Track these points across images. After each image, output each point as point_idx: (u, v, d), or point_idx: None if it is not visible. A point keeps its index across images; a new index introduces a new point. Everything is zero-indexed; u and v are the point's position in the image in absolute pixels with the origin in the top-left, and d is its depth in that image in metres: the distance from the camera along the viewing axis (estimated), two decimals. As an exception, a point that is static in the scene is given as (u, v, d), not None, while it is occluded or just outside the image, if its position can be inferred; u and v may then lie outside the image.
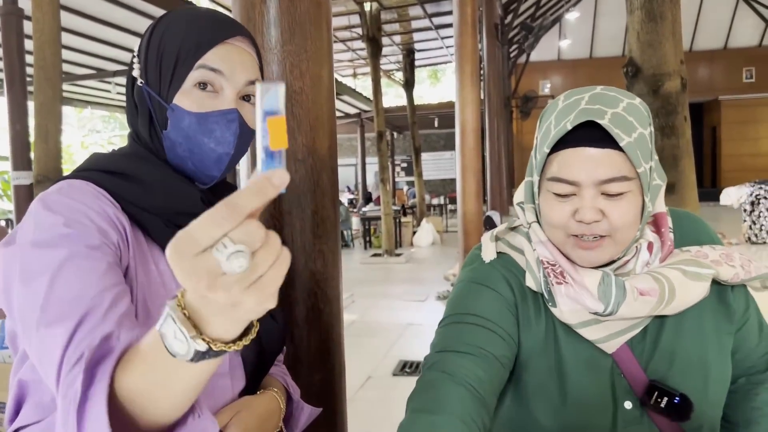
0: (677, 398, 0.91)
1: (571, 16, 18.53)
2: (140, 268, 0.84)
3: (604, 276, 0.91)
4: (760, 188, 10.67)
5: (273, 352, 0.98)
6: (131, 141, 0.96)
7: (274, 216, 1.22)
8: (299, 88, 1.22)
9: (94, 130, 25.56)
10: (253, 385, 0.98)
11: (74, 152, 22.26)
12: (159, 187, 0.88)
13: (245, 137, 0.94)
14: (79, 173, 0.87)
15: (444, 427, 0.82)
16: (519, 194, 1.04)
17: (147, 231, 0.87)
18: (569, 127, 0.87)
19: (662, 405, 0.92)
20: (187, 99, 0.89)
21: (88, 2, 7.49)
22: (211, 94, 0.91)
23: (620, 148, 0.86)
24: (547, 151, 0.90)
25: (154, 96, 0.91)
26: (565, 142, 0.89)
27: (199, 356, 0.54)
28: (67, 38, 8.90)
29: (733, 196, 10.86)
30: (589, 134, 0.87)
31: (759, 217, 10.59)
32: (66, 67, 10.74)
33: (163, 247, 0.87)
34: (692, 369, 0.96)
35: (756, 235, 10.59)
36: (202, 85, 0.90)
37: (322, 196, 1.25)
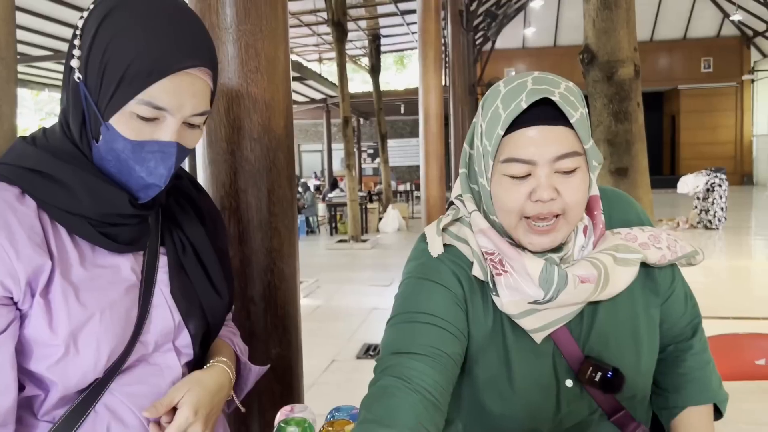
0: (610, 373, 0.96)
1: (536, 4, 18.68)
2: (68, 268, 0.83)
3: (547, 264, 0.93)
4: (715, 176, 10.94)
5: (217, 324, 1.00)
6: (61, 133, 0.89)
7: (230, 194, 1.24)
8: (254, 67, 1.23)
9: (52, 113, 24.87)
10: (201, 356, 1.00)
11: (31, 136, 21.65)
12: (85, 192, 0.84)
13: (179, 162, 0.90)
14: (1, 167, 0.84)
15: None
16: (456, 188, 1.06)
17: (72, 232, 0.85)
18: (524, 106, 0.88)
19: (596, 379, 0.97)
20: (124, 124, 0.84)
21: (43, -19, 7.29)
22: (152, 122, 0.85)
23: (569, 125, 0.89)
24: (502, 132, 0.90)
25: (90, 103, 0.84)
26: (518, 123, 0.89)
27: None
28: (22, 18, 8.64)
29: (690, 184, 11.12)
30: (542, 113, 0.88)
31: (713, 203, 10.82)
32: (22, 48, 10.42)
33: (90, 245, 0.86)
34: (626, 345, 1.02)
35: (710, 221, 10.87)
36: (143, 118, 0.84)
37: (277, 174, 1.27)
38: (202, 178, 1.28)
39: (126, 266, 0.89)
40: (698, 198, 11.00)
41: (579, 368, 0.99)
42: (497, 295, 0.96)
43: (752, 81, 23.41)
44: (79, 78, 0.85)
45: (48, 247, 0.82)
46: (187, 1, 1.28)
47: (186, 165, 1.05)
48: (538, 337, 0.98)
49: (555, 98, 0.87)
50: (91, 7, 0.88)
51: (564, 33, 23.89)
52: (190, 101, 0.85)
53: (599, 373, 0.97)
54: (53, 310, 0.81)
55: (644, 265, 1.03)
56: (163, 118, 0.85)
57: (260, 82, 1.23)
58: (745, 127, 24.05)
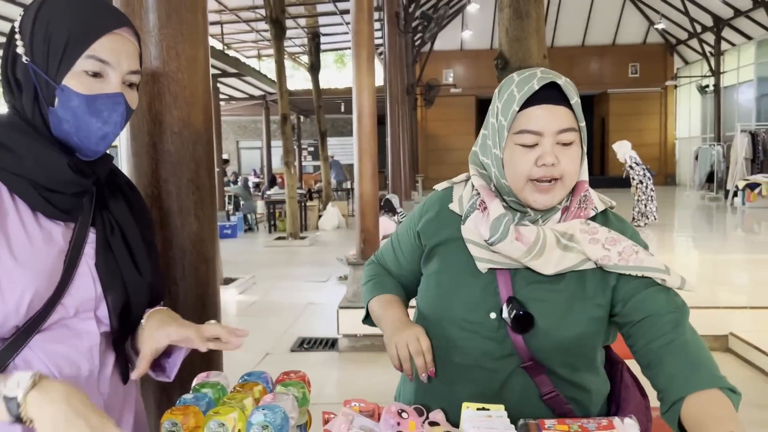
0: (522, 311, 1.13)
1: (472, 7, 19.12)
2: (4, 219, 0.96)
3: (502, 216, 1.14)
4: (647, 170, 11.05)
5: (138, 302, 1.12)
6: (11, 112, 1.04)
7: (152, 183, 1.35)
8: (175, 67, 1.34)
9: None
10: (121, 330, 1.11)
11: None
12: (29, 156, 0.98)
13: (127, 118, 1.07)
14: None
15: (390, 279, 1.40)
16: (470, 162, 1.29)
17: (15, 191, 0.98)
18: (536, 87, 1.10)
19: (510, 315, 1.13)
20: (76, 81, 0.99)
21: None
22: (99, 78, 1.01)
23: (569, 107, 1.12)
24: (517, 108, 1.12)
25: (41, 74, 0.99)
26: (529, 103, 1.11)
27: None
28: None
29: (626, 146, 11.03)
30: (549, 94, 1.11)
31: (649, 200, 10.99)
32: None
33: (30, 207, 0.99)
34: (554, 310, 1.15)
35: (647, 217, 11.05)
36: (92, 73, 1.00)
37: (197, 165, 1.38)
38: (125, 169, 1.38)
39: (58, 233, 1.02)
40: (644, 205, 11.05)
41: (504, 304, 1.16)
42: (464, 224, 1.21)
43: (675, 87, 24.65)
44: (26, 59, 0.99)
45: None
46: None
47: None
48: (481, 266, 1.18)
49: (561, 82, 1.11)
50: (25, 8, 1.03)
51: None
52: (126, 59, 1.03)
53: (514, 311, 1.13)
54: None
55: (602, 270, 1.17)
56: (106, 75, 1.01)
57: (180, 81, 1.35)
58: (668, 130, 25.29)
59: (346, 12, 13.08)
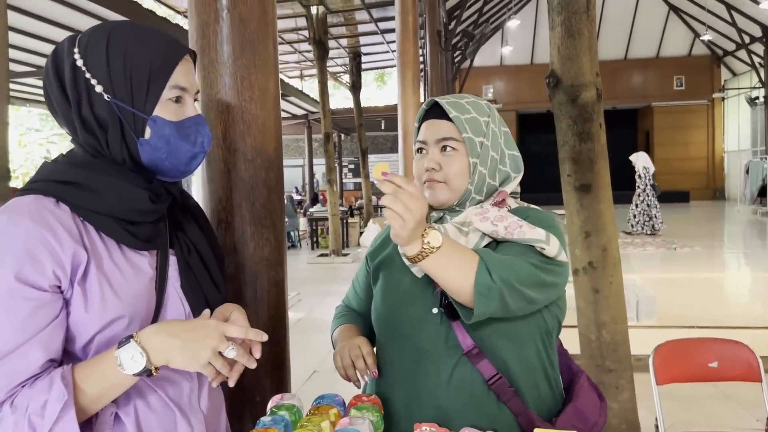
0: (447, 300, 1.23)
1: (513, 23, 19.11)
2: (100, 261, 1.00)
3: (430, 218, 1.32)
4: (638, 177, 11.92)
5: None
6: (82, 151, 1.06)
7: (226, 209, 1.40)
8: (248, 97, 1.40)
9: (33, 128, 24.70)
10: None
11: (11, 150, 21.48)
12: (112, 194, 1.01)
13: (210, 137, 1.15)
14: (33, 184, 1.01)
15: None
16: None
17: (101, 230, 1.02)
18: (425, 107, 1.36)
19: (443, 304, 1.26)
20: (164, 110, 1.05)
21: (30, 1, 7.38)
22: (179, 103, 1.08)
23: (451, 120, 1.29)
24: (417, 125, 1.37)
25: (127, 109, 1.03)
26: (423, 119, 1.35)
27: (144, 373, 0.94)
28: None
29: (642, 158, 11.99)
30: (435, 111, 1.32)
31: (656, 208, 12.04)
32: (3, 64, 10.45)
33: (117, 242, 1.04)
34: None
35: (653, 226, 12.08)
36: (174, 99, 1.06)
37: (269, 191, 1.43)
38: (201, 195, 1.43)
39: (144, 262, 1.06)
40: (636, 209, 12.07)
41: (441, 296, 1.28)
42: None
43: (722, 99, 24.05)
44: (108, 97, 1.03)
45: (83, 243, 0.99)
46: (190, 40, 1.45)
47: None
48: (416, 271, 1.30)
49: (442, 101, 1.32)
50: (77, 46, 1.05)
51: (540, 51, 24.36)
52: (192, 81, 1.10)
53: (446, 301, 1.24)
54: (89, 296, 0.98)
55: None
56: (183, 99, 1.08)
57: (253, 110, 1.40)
58: (716, 143, 24.65)
59: (387, 32, 13.23)
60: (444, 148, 1.30)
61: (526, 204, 1.40)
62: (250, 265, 1.40)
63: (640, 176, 11.93)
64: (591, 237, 2.97)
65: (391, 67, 20.14)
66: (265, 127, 1.42)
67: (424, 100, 11.12)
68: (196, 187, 1.45)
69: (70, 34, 1.05)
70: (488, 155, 1.31)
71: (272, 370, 1.44)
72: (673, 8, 23.23)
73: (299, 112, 19.48)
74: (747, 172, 18.48)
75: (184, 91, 1.07)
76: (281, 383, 1.47)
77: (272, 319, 1.43)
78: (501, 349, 1.26)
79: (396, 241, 1.12)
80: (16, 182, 20.96)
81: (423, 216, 1.08)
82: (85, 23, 8.40)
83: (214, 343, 0.97)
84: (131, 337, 0.94)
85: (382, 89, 31.81)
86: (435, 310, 1.29)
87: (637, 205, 12.18)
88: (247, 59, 1.39)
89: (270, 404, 1.25)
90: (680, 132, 24.57)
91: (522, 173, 1.39)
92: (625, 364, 3.04)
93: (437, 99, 1.34)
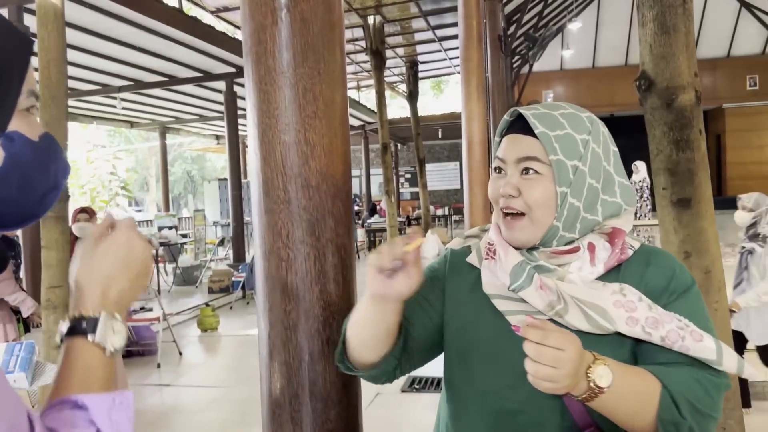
0: None
1: (574, 26, 18.53)
2: None
3: (523, 261, 1.05)
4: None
5: None
6: None
7: (287, 245, 1.18)
8: (312, 112, 1.17)
9: (99, 145, 25.60)
10: None
11: (79, 167, 22.30)
12: None
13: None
14: None
15: None
16: None
17: None
18: (507, 119, 1.11)
19: None
20: (22, 124, 0.74)
21: (92, 18, 7.50)
22: (33, 116, 0.77)
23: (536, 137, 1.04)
24: (498, 139, 1.13)
25: None
26: (506, 133, 1.11)
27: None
28: (71, 54, 8.93)
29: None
30: (517, 125, 1.08)
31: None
32: (71, 83, 10.77)
33: None
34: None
35: None
36: (30, 109, 0.76)
37: (336, 223, 1.20)
38: (257, 227, 1.22)
39: None
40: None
41: None
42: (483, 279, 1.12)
43: (801, 98, 22.71)
44: None
45: None
46: (244, 47, 1.24)
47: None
48: (515, 321, 1.03)
49: (526, 112, 1.07)
50: None
51: (602, 54, 23.64)
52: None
53: None
54: None
55: (663, 275, 1.06)
56: (34, 110, 0.77)
57: (318, 128, 1.17)
58: (795, 145, 23.30)
59: (445, 39, 12.98)
60: (526, 170, 1.05)
61: (639, 240, 1.13)
62: (316, 313, 1.18)
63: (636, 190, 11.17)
64: (692, 258, 2.63)
65: (449, 74, 19.86)
66: (332, 148, 1.19)
67: (489, 107, 10.85)
68: (254, 218, 1.24)
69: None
70: (584, 183, 1.04)
71: (343, 437, 1.20)
72: (745, 4, 22.09)
73: (356, 123, 19.43)
74: (832, 175, 17.26)
75: (37, 99, 0.77)
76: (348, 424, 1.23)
77: (341, 376, 1.20)
78: (621, 430, 1.00)
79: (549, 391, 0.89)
80: (85, 197, 21.71)
81: (579, 353, 0.87)
82: (149, 41, 8.51)
83: (136, 246, 0.79)
84: (83, 318, 0.73)
85: (438, 97, 31.54)
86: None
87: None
88: (310, 67, 1.17)
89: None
90: (754, 134, 23.37)
91: (635, 206, 1.12)
92: (734, 402, 2.68)
93: (522, 109, 1.09)
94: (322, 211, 1.18)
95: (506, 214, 1.07)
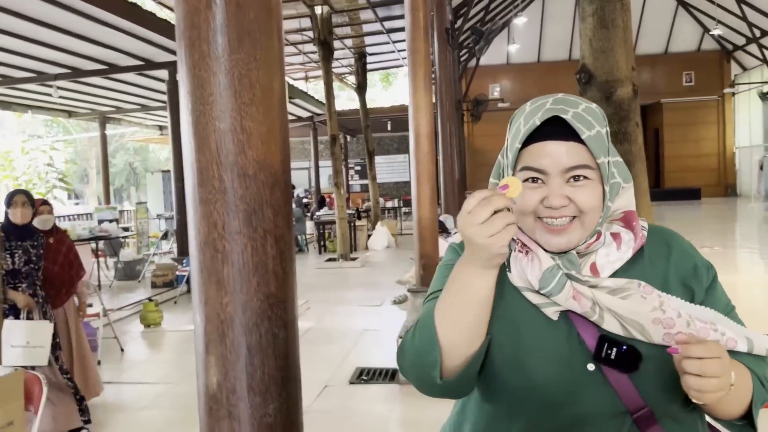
0: (624, 347, 0.97)
1: (519, 21, 18.83)
2: None
3: (555, 267, 1.00)
4: None
5: None
6: None
7: (223, 237, 1.15)
8: (249, 99, 1.14)
9: (35, 135, 24.55)
10: None
11: (14, 158, 21.36)
12: None
13: None
14: None
15: None
16: None
17: None
18: (538, 123, 0.99)
19: (612, 356, 0.97)
20: None
21: (26, 2, 7.16)
22: None
23: (581, 141, 0.99)
24: (519, 146, 1.02)
25: None
26: (534, 138, 1.01)
27: None
28: (3, 40, 8.51)
29: None
30: (554, 130, 0.99)
31: None
32: (4, 70, 10.26)
33: None
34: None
35: None
36: None
37: (275, 213, 1.17)
38: (192, 218, 1.18)
39: None
40: None
41: (596, 347, 0.99)
42: (509, 270, 1.06)
43: (733, 94, 23.71)
44: None
45: None
46: (177, 31, 1.19)
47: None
48: (551, 312, 1.02)
49: (566, 116, 0.99)
50: None
51: (547, 49, 24.12)
52: None
53: (614, 349, 0.97)
54: None
55: (686, 259, 1.07)
56: None
57: (255, 115, 1.14)
58: (727, 139, 24.32)
59: (393, 31, 12.98)
60: (575, 177, 0.99)
61: (647, 222, 1.11)
62: (253, 305, 1.15)
63: None
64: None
65: (397, 67, 19.90)
66: (270, 136, 1.16)
67: (436, 100, 10.90)
68: (188, 210, 1.19)
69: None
70: (612, 176, 1.03)
71: (281, 431, 1.18)
72: (682, 3, 22.90)
73: (304, 114, 19.24)
74: (761, 168, 18.13)
75: None
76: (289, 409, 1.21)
77: (281, 369, 1.18)
78: (673, 409, 1.02)
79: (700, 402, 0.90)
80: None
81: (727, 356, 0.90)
82: (87, 28, 8.18)
83: None
84: None
85: (387, 89, 31.57)
86: (591, 367, 1.01)
87: None
88: (246, 53, 1.13)
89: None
90: (690, 129, 24.29)
91: (632, 182, 1.08)
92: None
93: (559, 108, 1.00)
94: (260, 201, 1.15)
95: (550, 219, 1.01)
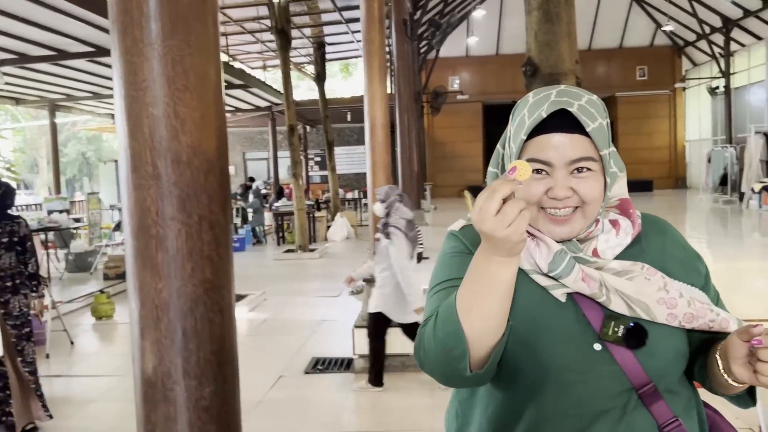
0: (632, 324, 1.00)
1: (478, 13, 18.97)
2: None
3: (562, 251, 1.03)
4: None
5: None
6: None
7: (157, 223, 1.15)
8: (182, 85, 1.14)
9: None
10: None
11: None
12: None
13: None
14: None
15: None
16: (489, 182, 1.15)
17: None
18: (544, 115, 1.01)
19: (619, 334, 1.00)
20: None
21: (-33, -16, 6.90)
22: None
23: (586, 134, 1.01)
24: (524, 138, 1.03)
25: None
26: (539, 130, 1.02)
27: None
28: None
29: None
30: (560, 122, 1.01)
31: None
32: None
33: None
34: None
35: None
36: None
37: (210, 199, 1.18)
38: (125, 204, 1.18)
39: None
40: None
41: (601, 327, 1.02)
42: None
43: (684, 89, 24.39)
44: None
45: None
46: (109, 16, 1.19)
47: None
48: (559, 294, 1.04)
49: (572, 109, 1.00)
50: None
51: (506, 42, 24.35)
52: None
53: (621, 327, 1.00)
54: None
55: (681, 247, 1.13)
56: None
57: (189, 101, 1.15)
58: (678, 132, 25.03)
59: (352, 21, 12.93)
60: (579, 169, 1.02)
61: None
62: (187, 290, 1.16)
63: None
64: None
65: (357, 57, 19.84)
66: (204, 122, 1.17)
67: (394, 91, 10.86)
68: (122, 195, 1.19)
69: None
70: (611, 166, 1.06)
71: (218, 414, 1.19)
72: (636, -1, 23.42)
73: (263, 103, 19.02)
74: (709, 161, 18.75)
75: None
76: (227, 429, 1.23)
77: (216, 354, 1.19)
78: (674, 384, 1.07)
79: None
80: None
81: None
82: (35, 12, 7.92)
83: None
84: None
85: (347, 80, 31.44)
86: (598, 347, 1.04)
87: None
88: (180, 39, 1.14)
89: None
90: (643, 122, 24.90)
91: (625, 171, 1.12)
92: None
93: (564, 101, 1.02)
94: (195, 187, 1.15)
95: (554, 209, 1.04)
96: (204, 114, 1.17)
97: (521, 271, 1.05)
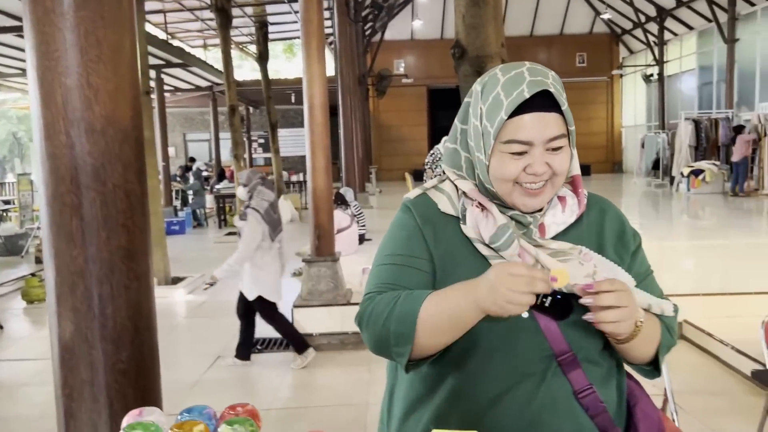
0: (559, 295, 1.05)
1: (423, -4, 19.01)
2: None
3: (506, 226, 1.10)
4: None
5: None
6: None
7: (72, 190, 1.17)
8: (96, 56, 1.16)
9: None
10: None
11: None
12: None
13: None
14: None
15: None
16: (446, 162, 1.22)
17: None
18: (527, 96, 1.04)
19: (546, 304, 1.04)
20: None
21: None
22: None
23: (558, 111, 1.07)
24: (506, 117, 1.05)
25: None
26: (518, 109, 1.05)
27: None
28: None
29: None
30: (539, 101, 1.05)
31: None
32: None
33: None
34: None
35: None
36: None
37: (125, 168, 1.21)
38: (40, 173, 1.19)
39: None
40: None
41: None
42: (464, 223, 1.14)
43: (621, 76, 25.15)
44: None
45: None
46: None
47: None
48: (494, 263, 1.10)
49: (551, 90, 1.05)
50: None
51: (450, 26, 24.47)
52: None
53: (549, 298, 1.04)
54: None
55: (617, 225, 1.21)
56: None
57: (102, 72, 1.17)
58: (615, 118, 25.83)
59: (295, 0, 12.78)
60: (555, 148, 1.08)
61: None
62: (103, 257, 1.19)
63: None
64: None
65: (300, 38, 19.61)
66: (118, 93, 1.19)
67: (336, 72, 10.81)
68: (35, 164, 1.21)
69: None
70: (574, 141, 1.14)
71: (136, 378, 1.23)
72: (576, -15, 23.91)
73: (203, 83, 18.62)
74: (642, 146, 19.45)
75: None
76: (148, 393, 1.27)
77: (133, 319, 1.23)
78: (593, 354, 1.14)
79: (617, 335, 1.06)
80: None
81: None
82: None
83: None
84: None
85: (291, 61, 31.03)
86: (525, 314, 1.09)
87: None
88: (93, 10, 1.15)
89: (125, 420, 1.06)
90: (582, 108, 25.49)
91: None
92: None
93: (539, 80, 1.06)
94: (109, 156, 1.18)
95: (530, 183, 1.09)
96: (118, 85, 1.19)
97: (466, 239, 1.14)
